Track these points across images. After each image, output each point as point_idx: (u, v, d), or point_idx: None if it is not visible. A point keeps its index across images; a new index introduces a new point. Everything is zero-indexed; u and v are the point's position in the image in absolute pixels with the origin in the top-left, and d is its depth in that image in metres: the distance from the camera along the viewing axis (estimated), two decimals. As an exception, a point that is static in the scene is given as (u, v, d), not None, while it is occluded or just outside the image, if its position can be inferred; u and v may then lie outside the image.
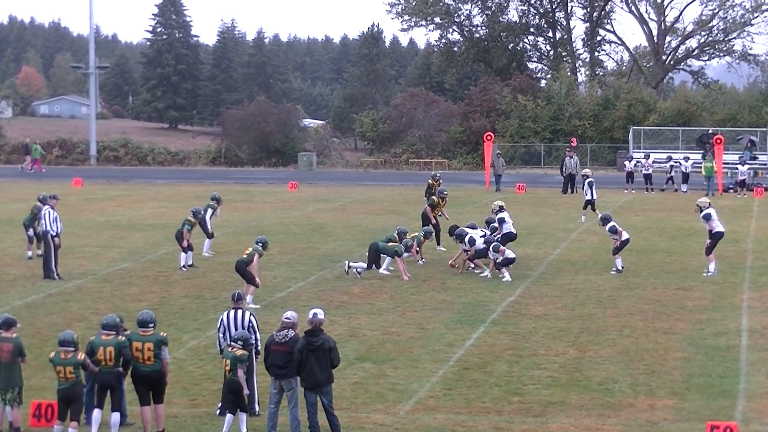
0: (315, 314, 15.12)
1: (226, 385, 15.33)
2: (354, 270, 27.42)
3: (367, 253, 28.07)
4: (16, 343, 15.23)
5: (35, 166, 66.40)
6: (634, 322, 22.29)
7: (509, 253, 27.36)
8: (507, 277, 26.90)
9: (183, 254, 28.55)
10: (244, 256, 23.57)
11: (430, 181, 36.91)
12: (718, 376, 18.24)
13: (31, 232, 30.37)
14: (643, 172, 52.72)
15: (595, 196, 39.10)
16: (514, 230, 29.22)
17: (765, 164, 62.01)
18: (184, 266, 28.46)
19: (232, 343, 15.43)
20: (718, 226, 27.90)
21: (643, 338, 20.84)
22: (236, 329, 16.07)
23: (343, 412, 15.83)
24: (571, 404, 16.65)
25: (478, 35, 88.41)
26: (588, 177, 40.09)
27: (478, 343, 20.52)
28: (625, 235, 28.14)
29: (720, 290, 25.83)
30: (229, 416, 15.22)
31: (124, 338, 15.16)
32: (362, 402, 16.84)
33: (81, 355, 14.83)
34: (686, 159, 53.00)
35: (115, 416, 15.05)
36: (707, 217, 27.87)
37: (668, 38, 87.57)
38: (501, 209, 29.31)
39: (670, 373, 18.40)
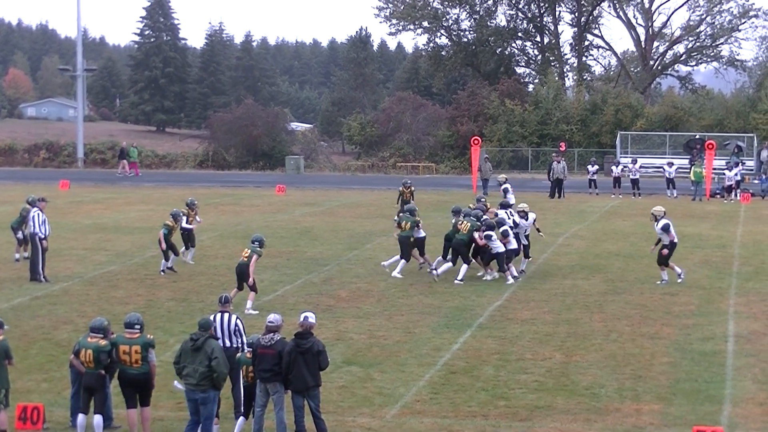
0: (306, 317, 15.16)
1: (246, 391, 15.43)
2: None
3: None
4: (2, 346, 15.19)
5: (132, 169, 66.08)
6: (620, 326, 22.32)
7: (499, 246, 27.12)
8: (491, 276, 26.96)
9: (164, 258, 28.34)
10: (244, 258, 23.48)
11: (400, 188, 36.01)
12: (704, 381, 18.28)
13: (20, 234, 30.26)
14: (630, 177, 52.82)
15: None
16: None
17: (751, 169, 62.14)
18: (163, 270, 28.19)
19: (247, 349, 15.47)
20: (675, 236, 27.08)
21: (629, 343, 20.88)
22: (223, 332, 16.13)
23: (330, 415, 15.83)
24: (558, 409, 16.68)
25: (466, 39, 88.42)
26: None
27: (464, 348, 20.54)
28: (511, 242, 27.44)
29: (706, 295, 25.87)
30: (242, 419, 15.40)
31: (105, 342, 15.14)
32: (349, 406, 16.85)
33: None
34: (670, 164, 53.12)
35: (98, 418, 15.03)
36: (666, 229, 26.59)
37: (656, 43, 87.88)
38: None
39: (656, 377, 18.44)
